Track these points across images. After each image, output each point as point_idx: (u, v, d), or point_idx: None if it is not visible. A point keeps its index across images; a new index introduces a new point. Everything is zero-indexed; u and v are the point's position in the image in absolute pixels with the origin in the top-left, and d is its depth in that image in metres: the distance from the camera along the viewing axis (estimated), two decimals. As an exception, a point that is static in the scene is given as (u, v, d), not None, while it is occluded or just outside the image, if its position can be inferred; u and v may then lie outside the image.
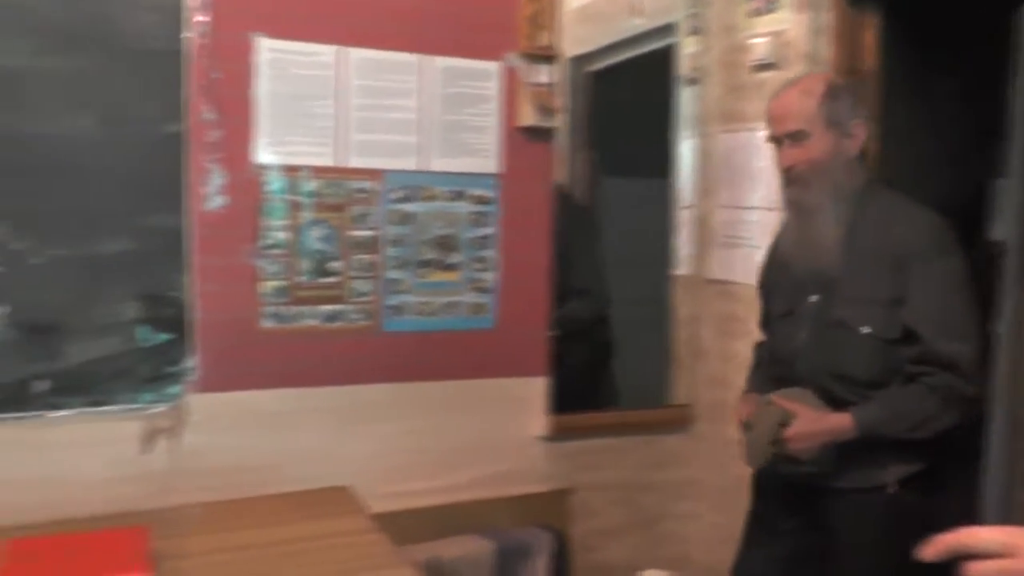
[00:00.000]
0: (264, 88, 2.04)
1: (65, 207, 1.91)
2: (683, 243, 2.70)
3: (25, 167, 1.87)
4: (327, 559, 1.72)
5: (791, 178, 1.89)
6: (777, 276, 2.04)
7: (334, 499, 2.00)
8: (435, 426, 2.25)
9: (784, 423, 1.82)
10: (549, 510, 2.36)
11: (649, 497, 2.57)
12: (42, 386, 1.92)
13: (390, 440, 2.20)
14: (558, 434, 2.37)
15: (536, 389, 2.35)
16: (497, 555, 2.18)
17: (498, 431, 2.31)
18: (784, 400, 1.86)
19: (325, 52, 2.08)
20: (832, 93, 1.86)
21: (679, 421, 2.61)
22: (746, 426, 1.92)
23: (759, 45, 2.40)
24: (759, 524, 2.06)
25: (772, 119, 1.91)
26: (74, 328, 1.93)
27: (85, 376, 1.95)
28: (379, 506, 2.00)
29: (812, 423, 1.81)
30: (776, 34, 2.36)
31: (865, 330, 1.80)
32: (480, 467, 2.29)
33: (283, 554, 1.74)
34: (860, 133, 1.88)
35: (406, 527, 1.99)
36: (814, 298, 1.89)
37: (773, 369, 2.01)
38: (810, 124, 1.84)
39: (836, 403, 1.84)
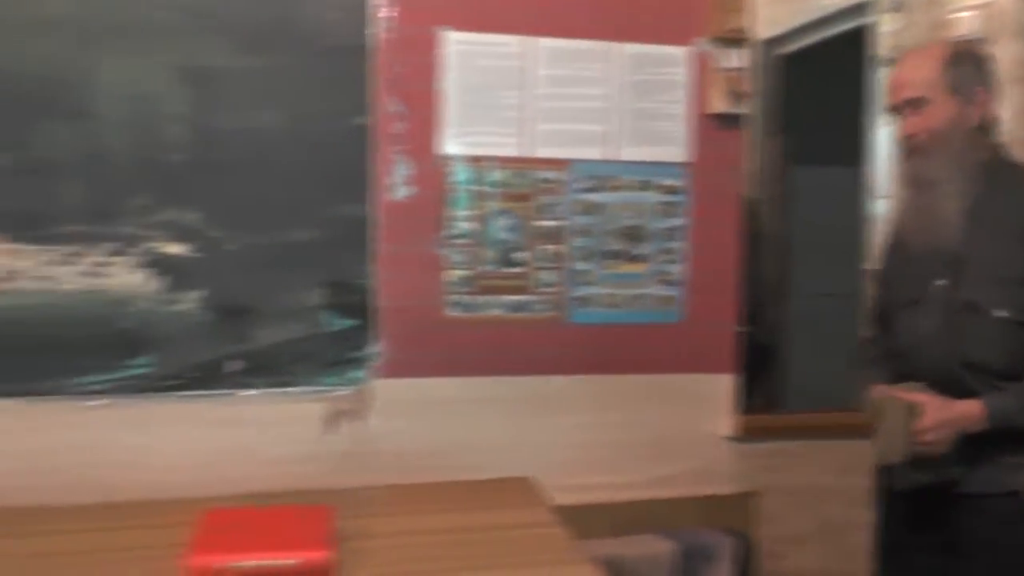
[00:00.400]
0: (449, 80, 2.05)
1: (258, 197, 1.99)
2: (877, 235, 2.54)
3: (223, 160, 1.97)
4: (507, 549, 1.70)
5: (911, 148, 1.76)
6: (898, 262, 1.88)
7: (515, 489, 1.99)
8: (617, 421, 2.20)
9: (914, 415, 1.68)
10: (733, 513, 2.27)
11: (839, 505, 2.42)
12: (234, 366, 2.01)
13: (571, 433, 2.17)
14: (745, 434, 2.28)
15: (723, 387, 2.26)
16: (679, 557, 2.11)
17: (682, 429, 2.24)
18: (907, 393, 1.71)
19: (510, 43, 2.07)
20: (954, 58, 1.72)
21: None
22: (875, 421, 1.77)
23: (965, 19, 2.23)
24: (888, 542, 1.90)
25: (892, 87, 1.78)
26: (264, 312, 2.01)
27: (273, 358, 2.03)
28: (557, 499, 1.97)
29: (942, 411, 1.66)
30: (984, 6, 2.18)
31: (999, 313, 1.65)
32: (662, 465, 2.23)
33: (463, 542, 1.73)
34: (985, 101, 1.72)
35: (584, 522, 1.94)
36: (941, 282, 1.73)
37: (890, 365, 1.85)
38: (931, 90, 1.71)
39: (965, 396, 1.68)
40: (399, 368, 2.07)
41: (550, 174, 2.10)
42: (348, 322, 2.04)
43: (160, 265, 1.96)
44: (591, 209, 2.13)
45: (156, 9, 1.90)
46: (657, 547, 2.11)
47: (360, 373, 2.06)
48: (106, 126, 1.91)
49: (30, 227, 1.90)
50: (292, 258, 2.00)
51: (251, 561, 1.55)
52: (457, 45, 2.04)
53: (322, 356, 2.04)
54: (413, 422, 2.09)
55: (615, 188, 2.14)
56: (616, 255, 2.16)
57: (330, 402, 2.07)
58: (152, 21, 1.90)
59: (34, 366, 1.93)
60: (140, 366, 1.96)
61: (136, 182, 1.93)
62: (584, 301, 2.14)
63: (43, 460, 1.94)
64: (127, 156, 1.92)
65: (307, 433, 2.06)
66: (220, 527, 1.65)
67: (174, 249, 1.96)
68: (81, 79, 1.89)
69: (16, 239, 1.89)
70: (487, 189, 2.08)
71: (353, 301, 2.04)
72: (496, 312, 2.10)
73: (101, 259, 1.93)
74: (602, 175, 2.13)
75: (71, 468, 1.95)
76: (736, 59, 2.18)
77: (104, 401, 1.96)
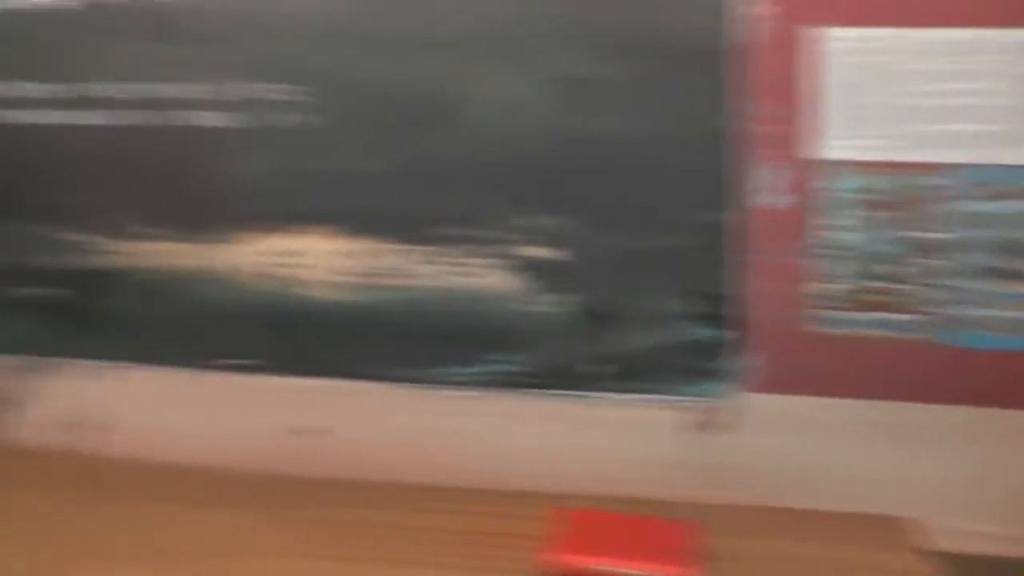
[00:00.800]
0: (821, 80, 1.93)
1: (621, 203, 2.00)
2: None
3: (588, 167, 2.00)
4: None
5: None
6: None
7: (887, 527, 1.86)
8: (1005, 462, 1.98)
9: None
10: None
11: None
12: (593, 368, 2.05)
13: (949, 469, 1.98)
14: None
15: None
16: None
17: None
18: None
19: (887, 37, 1.91)
20: None
21: None
22: None
23: None
24: None
25: None
26: (623, 317, 2.03)
27: (632, 363, 2.04)
28: (925, 543, 1.84)
29: None
30: None
31: None
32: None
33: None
34: None
35: (958, 574, 1.78)
36: None
37: None
38: None
39: None
40: (762, 383, 2.00)
41: (932, 180, 1.92)
42: (709, 332, 2.01)
43: (524, 267, 2.04)
44: (975, 220, 1.93)
45: (527, 24, 1.96)
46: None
47: (720, 385, 2.02)
48: (478, 135, 2.01)
49: (410, 228, 2.06)
50: (652, 264, 2.00)
51: (616, 568, 1.55)
52: (829, 42, 1.92)
53: (682, 365, 2.02)
54: (776, 441, 2.01)
55: (1003, 196, 1.92)
56: (1002, 273, 1.95)
57: (690, 413, 2.05)
58: (523, 35, 1.96)
59: (400, 355, 2.11)
60: (501, 362, 2.07)
61: (505, 188, 2.02)
62: (966, 323, 1.95)
63: (405, 441, 2.12)
64: (497, 163, 2.01)
65: (664, 443, 2.05)
66: (583, 527, 1.68)
67: (539, 252, 2.03)
68: (457, 92, 1.99)
69: (400, 240, 2.06)
70: (862, 196, 1.94)
71: (714, 311, 2.00)
72: (868, 330, 1.97)
73: (468, 259, 2.05)
74: (988, 181, 1.92)
75: (429, 451, 2.10)
76: None
77: (463, 392, 2.09)
